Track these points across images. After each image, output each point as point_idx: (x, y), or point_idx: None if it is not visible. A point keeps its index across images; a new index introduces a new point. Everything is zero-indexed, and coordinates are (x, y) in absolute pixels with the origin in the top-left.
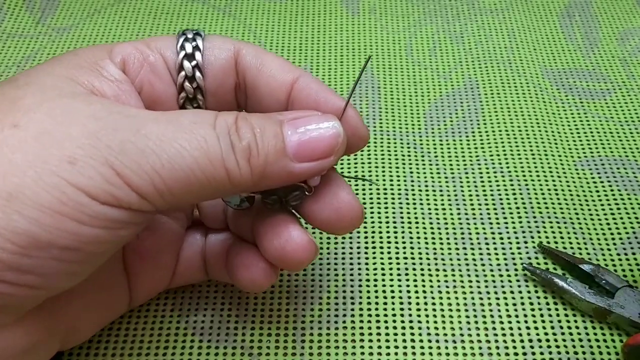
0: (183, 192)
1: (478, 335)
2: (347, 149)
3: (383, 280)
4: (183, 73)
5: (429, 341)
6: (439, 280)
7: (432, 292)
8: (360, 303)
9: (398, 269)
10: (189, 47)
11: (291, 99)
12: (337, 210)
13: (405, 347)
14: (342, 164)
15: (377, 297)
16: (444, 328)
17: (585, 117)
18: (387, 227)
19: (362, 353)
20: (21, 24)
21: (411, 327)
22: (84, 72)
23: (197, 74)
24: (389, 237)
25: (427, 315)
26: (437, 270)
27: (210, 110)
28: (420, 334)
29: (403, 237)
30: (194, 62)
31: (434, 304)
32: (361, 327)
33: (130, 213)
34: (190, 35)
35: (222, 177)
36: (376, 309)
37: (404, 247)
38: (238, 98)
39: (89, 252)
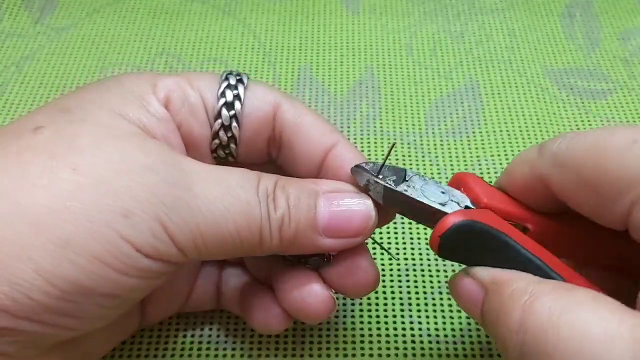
0: (218, 249)
1: (479, 336)
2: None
3: (383, 280)
4: (220, 121)
5: (429, 342)
6: (439, 281)
7: (432, 292)
8: (361, 304)
9: (398, 269)
10: (229, 95)
11: (325, 165)
12: (355, 279)
13: (405, 348)
14: None
15: (377, 297)
16: (444, 329)
17: (587, 117)
18: (388, 227)
19: (363, 354)
20: (20, 24)
21: (411, 328)
22: (132, 107)
23: (234, 124)
24: (389, 238)
25: (427, 316)
26: (438, 271)
27: (241, 157)
28: (420, 335)
29: (403, 238)
30: (232, 112)
31: (434, 304)
32: (361, 328)
33: (167, 265)
34: (232, 82)
35: (255, 241)
36: (376, 310)
37: (404, 248)
38: (270, 149)
39: (126, 298)
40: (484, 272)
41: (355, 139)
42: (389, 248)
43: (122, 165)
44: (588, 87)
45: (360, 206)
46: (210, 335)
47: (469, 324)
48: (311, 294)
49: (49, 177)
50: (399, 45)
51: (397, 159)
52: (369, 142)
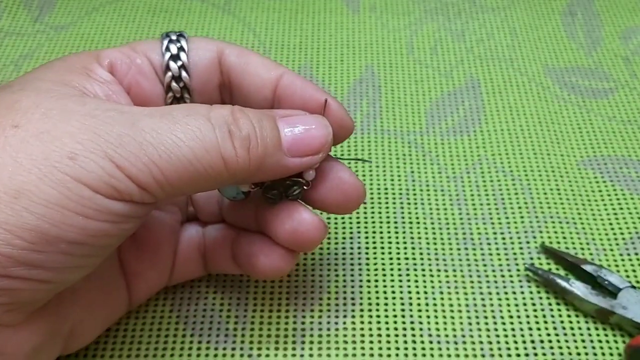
0: (182, 183)
1: (480, 336)
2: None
3: (384, 280)
4: (170, 73)
5: (430, 342)
6: (440, 281)
7: (433, 292)
8: (361, 304)
9: (399, 269)
10: (173, 49)
11: (277, 96)
12: (344, 192)
13: (406, 349)
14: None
15: (377, 297)
16: (445, 329)
17: (588, 116)
18: (388, 227)
19: (363, 354)
20: (19, 22)
21: (412, 328)
22: (75, 76)
23: (184, 73)
24: (389, 237)
25: (428, 316)
26: (439, 270)
27: None
28: (421, 335)
29: (404, 237)
30: (179, 63)
31: (435, 304)
32: (362, 328)
33: (132, 205)
34: (174, 37)
35: (219, 165)
36: (377, 310)
37: (405, 248)
38: (223, 96)
39: (95, 245)
40: None
41: (355, 137)
42: (390, 248)
43: (61, 116)
44: (589, 85)
45: (318, 123)
46: (209, 335)
47: (469, 324)
48: (301, 222)
49: None
50: (399, 43)
51: (397, 159)
52: (369, 141)
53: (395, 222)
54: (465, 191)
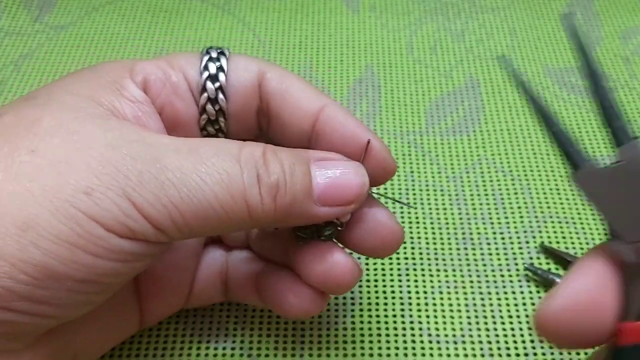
0: (201, 226)
1: (479, 335)
2: (373, 181)
3: (383, 280)
4: (206, 95)
5: (430, 342)
6: (439, 281)
7: (432, 292)
8: (361, 304)
9: (399, 269)
10: (212, 68)
11: (316, 130)
12: (381, 236)
13: (405, 348)
14: None
15: (377, 297)
16: (444, 329)
17: (587, 116)
18: None
19: (363, 354)
20: (18, 22)
21: (412, 328)
22: (105, 92)
23: (220, 96)
24: None
25: (427, 316)
26: (438, 270)
27: (232, 133)
28: (421, 335)
29: (404, 238)
30: (217, 84)
31: (434, 304)
32: (361, 328)
33: (145, 245)
34: (214, 55)
35: (243, 212)
36: (377, 310)
37: (405, 247)
38: (260, 121)
39: (104, 283)
40: None
41: None
42: None
43: (82, 143)
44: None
45: (354, 172)
46: (209, 335)
47: (469, 323)
48: (335, 265)
49: (6, 160)
50: (399, 43)
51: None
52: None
53: None
54: (464, 191)
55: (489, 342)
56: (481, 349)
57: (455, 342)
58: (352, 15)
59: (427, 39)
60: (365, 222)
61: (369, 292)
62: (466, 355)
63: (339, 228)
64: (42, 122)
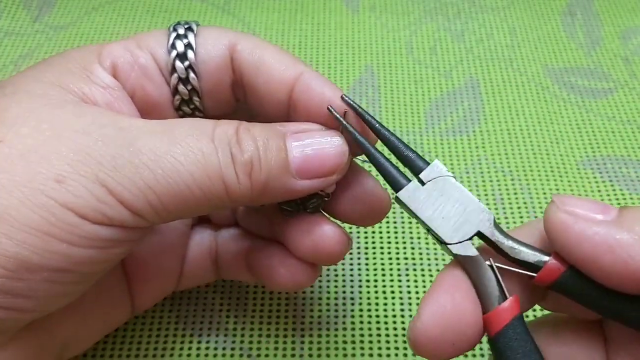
0: (179, 208)
1: None
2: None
3: (383, 280)
4: (176, 75)
5: None
6: None
7: None
8: (360, 304)
9: (398, 269)
10: (180, 46)
11: (293, 99)
12: (368, 204)
13: (405, 348)
14: None
15: (377, 297)
16: None
17: (587, 116)
18: (387, 227)
19: (362, 354)
20: (18, 22)
21: None
22: (74, 78)
23: (191, 75)
24: (389, 237)
25: None
26: (438, 270)
27: (209, 110)
28: None
29: (403, 237)
30: (186, 63)
31: None
32: (361, 328)
33: (123, 231)
34: (181, 31)
35: (220, 191)
36: (376, 310)
37: (404, 247)
38: (237, 94)
39: (81, 272)
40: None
41: None
42: (389, 248)
43: (52, 131)
44: (589, 86)
45: (331, 141)
46: (209, 335)
47: None
48: (323, 236)
49: None
50: (399, 43)
51: None
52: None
53: (395, 222)
54: None
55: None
56: (480, 348)
57: None
58: (352, 15)
59: (427, 39)
60: (351, 191)
61: (368, 292)
62: (465, 355)
63: (325, 199)
64: (10, 111)
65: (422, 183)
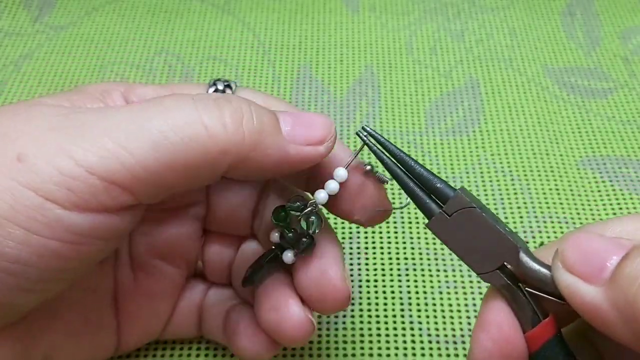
0: (163, 168)
1: None
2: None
3: (383, 280)
4: None
5: (430, 342)
6: (439, 281)
7: (432, 292)
8: (360, 304)
9: (398, 269)
10: (220, 86)
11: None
12: (322, 289)
13: (405, 348)
14: None
15: (377, 297)
16: (444, 329)
17: (587, 116)
18: (387, 227)
19: (362, 354)
20: (18, 22)
21: (411, 328)
22: (90, 98)
23: None
24: (389, 238)
25: (427, 316)
26: (438, 270)
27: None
28: (420, 335)
29: (403, 238)
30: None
31: (434, 304)
32: (361, 328)
33: (97, 217)
34: (220, 87)
35: (202, 135)
36: (376, 310)
37: (404, 248)
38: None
39: (45, 268)
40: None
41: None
42: (389, 248)
43: (25, 120)
44: (588, 86)
45: (319, 115)
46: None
47: (469, 323)
48: (287, 315)
49: None
50: (398, 43)
51: None
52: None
53: (395, 223)
54: None
55: None
56: None
57: (455, 342)
58: (352, 15)
59: (426, 39)
60: (310, 270)
61: (368, 292)
62: (465, 355)
63: (311, 241)
64: (12, 112)
65: (449, 215)
